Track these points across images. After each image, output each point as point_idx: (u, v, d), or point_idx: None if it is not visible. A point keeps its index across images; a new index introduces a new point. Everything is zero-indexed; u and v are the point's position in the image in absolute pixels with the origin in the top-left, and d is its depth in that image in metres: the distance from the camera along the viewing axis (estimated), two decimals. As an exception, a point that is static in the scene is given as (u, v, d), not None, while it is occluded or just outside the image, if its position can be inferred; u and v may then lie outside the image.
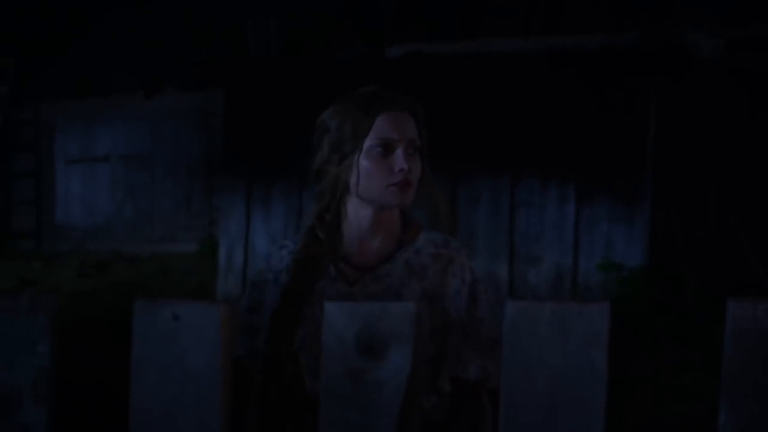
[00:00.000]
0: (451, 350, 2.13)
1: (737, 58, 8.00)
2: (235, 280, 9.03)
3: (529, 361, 1.17)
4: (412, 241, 2.21)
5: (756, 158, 8.32)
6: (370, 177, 2.13)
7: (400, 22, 9.37)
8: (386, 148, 2.13)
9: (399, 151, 2.12)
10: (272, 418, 2.13)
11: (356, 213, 2.19)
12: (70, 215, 11.76)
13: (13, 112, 11.85)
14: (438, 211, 2.27)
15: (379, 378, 1.16)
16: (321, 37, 9.70)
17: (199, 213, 10.89)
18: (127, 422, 1.28)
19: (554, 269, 8.02)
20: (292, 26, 9.99)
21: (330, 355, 1.18)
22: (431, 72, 8.10)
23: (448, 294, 2.15)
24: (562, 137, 7.92)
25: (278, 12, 10.20)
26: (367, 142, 2.13)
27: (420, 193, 2.17)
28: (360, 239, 2.19)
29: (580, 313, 1.16)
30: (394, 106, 2.16)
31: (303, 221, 2.26)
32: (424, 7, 9.42)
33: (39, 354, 1.29)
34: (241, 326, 2.20)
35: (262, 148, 8.92)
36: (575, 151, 7.89)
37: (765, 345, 1.10)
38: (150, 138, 11.27)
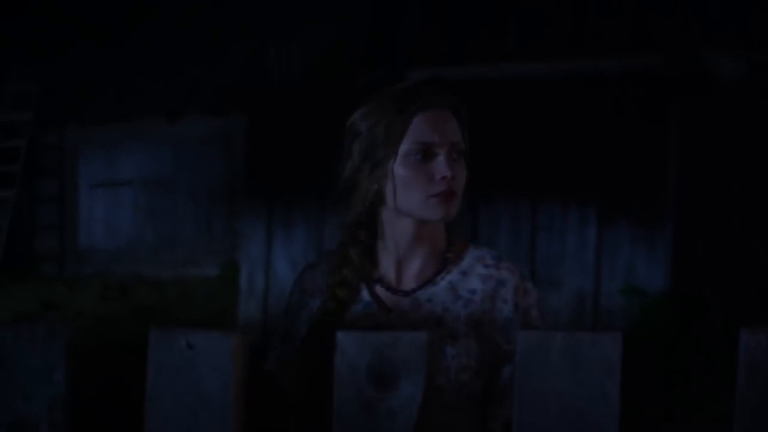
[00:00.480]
0: (502, 388, 1.84)
1: (761, 80, 7.97)
2: (257, 304, 9.05)
3: (541, 390, 1.17)
4: (458, 259, 1.94)
5: (779, 182, 8.27)
6: (408, 187, 1.87)
7: (421, 46, 9.41)
8: (426, 153, 1.86)
9: (441, 157, 1.86)
10: None
11: (393, 228, 1.92)
12: (93, 239, 11.83)
13: (37, 137, 11.96)
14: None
15: (390, 407, 1.17)
16: (343, 61, 9.75)
17: (221, 237, 10.93)
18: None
19: (576, 293, 7.99)
20: (314, 50, 10.04)
21: (342, 384, 1.19)
22: (452, 96, 8.11)
23: (498, 322, 1.87)
24: (583, 160, 7.91)
25: (300, 36, 10.26)
26: (404, 147, 1.87)
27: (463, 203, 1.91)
28: (398, 258, 1.93)
29: (592, 343, 1.16)
30: (434, 104, 1.89)
31: (336, 238, 1.99)
32: (445, 32, 9.46)
33: (55, 382, 1.30)
34: (280, 355, 1.98)
35: (284, 172, 8.96)
36: (596, 175, 7.87)
37: (778, 375, 1.09)
38: (172, 162, 11.34)
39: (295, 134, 8.89)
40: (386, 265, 1.94)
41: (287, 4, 11.65)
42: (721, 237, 7.97)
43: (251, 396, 1.55)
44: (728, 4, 8.56)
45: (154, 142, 11.36)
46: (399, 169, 1.87)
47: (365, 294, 1.94)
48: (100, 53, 12.28)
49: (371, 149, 1.89)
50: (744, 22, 8.41)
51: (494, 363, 1.86)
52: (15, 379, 1.31)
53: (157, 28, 12.37)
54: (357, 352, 1.18)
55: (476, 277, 1.91)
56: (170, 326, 1.26)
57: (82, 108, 11.97)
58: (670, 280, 7.66)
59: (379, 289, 1.94)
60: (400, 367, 1.16)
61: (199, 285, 10.20)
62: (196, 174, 11.22)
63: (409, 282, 1.93)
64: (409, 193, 1.87)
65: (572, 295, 8.01)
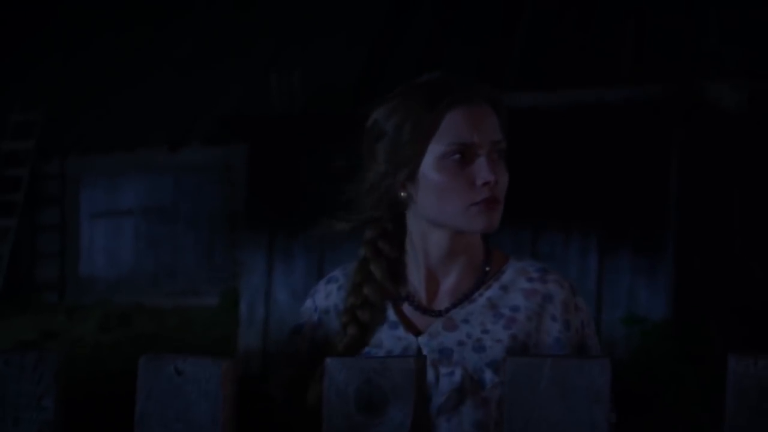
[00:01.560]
0: None
1: (760, 108, 8.00)
2: (257, 333, 9.03)
3: (530, 417, 1.17)
4: (498, 273, 1.71)
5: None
6: (444, 194, 1.63)
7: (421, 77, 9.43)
8: (464, 155, 1.62)
9: (482, 159, 1.62)
10: None
11: (424, 240, 1.69)
12: (94, 268, 11.83)
13: (39, 165, 11.99)
14: None
15: (378, 434, 1.16)
16: (345, 91, 9.78)
17: (221, 266, 10.93)
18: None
19: (577, 322, 7.97)
20: (316, 79, 10.08)
21: (331, 410, 1.19)
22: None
23: (545, 342, 1.65)
24: (584, 189, 7.92)
25: (303, 65, 10.30)
26: (438, 148, 1.63)
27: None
28: (429, 273, 1.70)
29: (581, 369, 1.16)
30: (471, 98, 1.65)
31: (335, 263, 1.81)
32: (446, 62, 9.49)
33: (44, 408, 1.30)
34: (285, 378, 1.75)
35: (285, 202, 8.97)
36: (597, 203, 7.88)
37: (766, 401, 1.09)
38: (173, 191, 11.36)
39: (296, 163, 8.91)
40: (415, 282, 1.71)
41: (289, 35, 11.71)
42: (722, 264, 7.96)
43: (241, 423, 1.51)
44: (727, 34, 8.60)
45: (155, 171, 11.39)
46: (433, 173, 1.63)
47: (391, 314, 1.70)
48: (103, 82, 12.34)
49: (398, 151, 1.65)
50: (743, 51, 8.45)
51: None
52: (5, 405, 1.31)
53: (159, 58, 12.43)
54: (345, 378, 1.18)
55: (519, 293, 1.68)
56: (160, 352, 1.26)
57: (84, 137, 12.01)
58: (671, 308, 7.65)
59: (407, 309, 1.70)
60: (389, 393, 1.16)
61: (200, 314, 10.18)
62: (196, 203, 11.23)
63: (442, 300, 1.70)
64: (446, 201, 1.63)
65: (573, 324, 7.99)
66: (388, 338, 1.67)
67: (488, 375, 1.62)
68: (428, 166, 1.64)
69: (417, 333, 1.67)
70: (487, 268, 1.71)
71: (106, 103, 12.17)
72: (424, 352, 1.65)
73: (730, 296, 7.86)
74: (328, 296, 1.77)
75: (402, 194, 1.67)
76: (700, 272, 7.73)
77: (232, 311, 9.59)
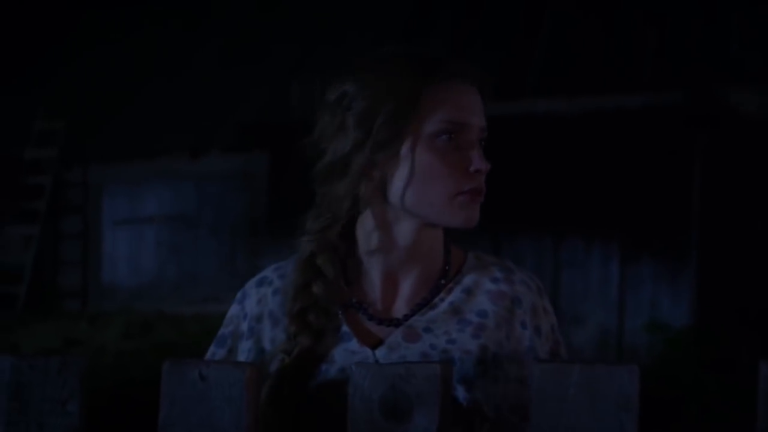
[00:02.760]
0: None
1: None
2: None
3: (557, 424, 1.15)
4: (457, 273, 1.50)
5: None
6: (429, 178, 1.42)
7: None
8: (454, 137, 1.42)
9: (475, 144, 1.45)
10: None
11: (386, 231, 1.45)
12: (116, 275, 11.88)
13: (61, 174, 12.07)
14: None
15: (404, 440, 1.16)
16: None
17: (243, 273, 10.92)
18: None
19: (599, 330, 7.93)
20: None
21: (356, 417, 1.18)
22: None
23: (519, 352, 1.45)
24: (606, 196, 7.88)
25: (323, 73, 10.31)
26: (428, 126, 1.42)
27: None
28: (386, 274, 1.47)
29: (610, 376, 1.15)
30: (463, 75, 1.44)
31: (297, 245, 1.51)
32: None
33: (69, 413, 1.30)
34: None
35: (306, 208, 8.98)
36: (619, 210, 7.85)
37: (798, 408, 1.08)
38: (195, 199, 11.40)
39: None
40: (367, 286, 1.48)
41: (309, 42, 11.74)
42: (745, 270, 7.91)
43: (264, 428, 1.37)
44: (749, 39, 8.55)
45: (177, 179, 11.43)
46: (419, 153, 1.41)
47: (342, 323, 1.46)
48: (126, 90, 12.40)
49: (374, 125, 1.42)
50: (764, 56, 8.40)
51: (519, 404, 1.40)
52: (30, 410, 1.31)
53: (181, 66, 12.49)
54: (370, 385, 1.17)
55: (484, 296, 1.47)
56: (182, 358, 1.26)
57: (107, 145, 12.08)
58: (694, 315, 7.60)
59: (360, 317, 1.46)
60: (414, 399, 1.15)
61: (221, 321, 10.19)
62: (218, 211, 11.26)
63: (399, 307, 1.47)
64: (430, 185, 1.41)
65: (595, 331, 7.95)
66: (340, 353, 1.43)
67: (460, 392, 1.39)
68: (413, 145, 1.42)
69: (373, 345, 1.44)
70: (447, 267, 1.49)
71: (128, 112, 12.23)
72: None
73: (754, 303, 7.80)
74: (260, 301, 1.52)
75: (378, 174, 1.44)
76: (722, 279, 7.68)
77: (253, 318, 9.59)
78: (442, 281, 1.48)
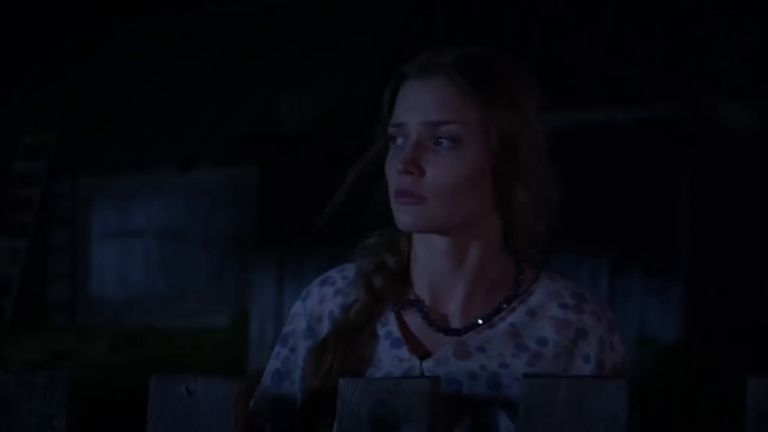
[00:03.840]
0: None
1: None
2: (267, 354, 9.01)
3: (545, 439, 1.15)
4: (525, 293, 1.42)
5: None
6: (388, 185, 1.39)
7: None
8: (398, 139, 1.38)
9: (406, 143, 1.35)
10: None
11: (426, 243, 1.40)
12: (105, 288, 11.84)
13: (50, 186, 12.03)
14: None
15: (392, 456, 1.15)
16: (353, 113, 9.81)
17: (232, 287, 10.93)
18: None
19: (588, 343, 7.94)
20: (327, 101, 10.11)
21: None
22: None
23: None
24: (595, 210, 7.90)
25: (313, 87, 10.33)
26: (390, 129, 1.39)
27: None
28: (433, 286, 1.40)
29: (597, 391, 1.14)
30: (425, 71, 1.36)
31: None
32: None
33: (55, 429, 1.29)
34: (270, 396, 1.46)
35: (295, 222, 8.97)
36: (608, 224, 7.86)
37: (786, 424, 1.08)
38: (184, 212, 11.38)
39: (306, 184, 8.91)
40: (422, 295, 1.41)
41: (298, 56, 11.75)
42: (735, 285, 7.92)
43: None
44: (737, 53, 8.60)
45: (167, 192, 11.41)
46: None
47: (394, 328, 1.40)
48: (115, 103, 12.39)
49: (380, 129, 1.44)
50: (753, 70, 8.44)
51: None
52: (17, 425, 1.30)
53: (171, 80, 12.48)
54: (358, 400, 1.17)
55: (548, 321, 1.38)
56: (170, 373, 1.25)
57: (95, 158, 12.05)
58: (683, 329, 7.61)
59: (412, 319, 1.40)
60: (402, 415, 1.15)
61: (210, 335, 10.17)
62: (207, 224, 11.24)
63: (453, 317, 1.39)
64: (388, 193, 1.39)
65: (585, 345, 7.96)
66: (388, 358, 1.37)
67: (503, 420, 1.32)
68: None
69: (421, 355, 1.37)
70: (513, 291, 1.41)
71: (117, 125, 12.22)
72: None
73: (743, 317, 7.82)
74: (322, 300, 1.50)
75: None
76: (711, 293, 7.70)
77: (242, 332, 9.58)
78: (504, 305, 1.40)
